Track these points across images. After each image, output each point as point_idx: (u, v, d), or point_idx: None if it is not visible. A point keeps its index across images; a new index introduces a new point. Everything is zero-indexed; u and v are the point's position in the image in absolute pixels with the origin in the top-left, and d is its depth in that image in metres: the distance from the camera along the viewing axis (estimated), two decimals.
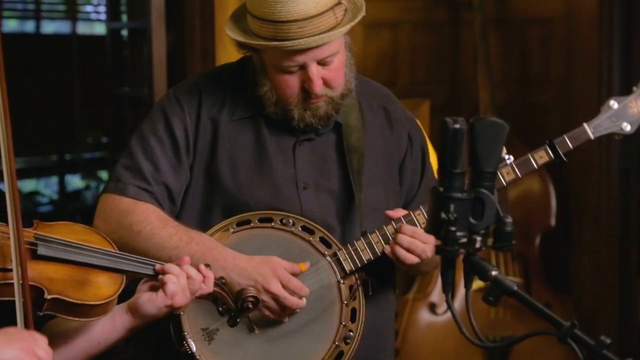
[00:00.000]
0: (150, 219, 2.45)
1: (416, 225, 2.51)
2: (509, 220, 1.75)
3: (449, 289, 1.79)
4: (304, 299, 2.43)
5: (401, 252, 2.45)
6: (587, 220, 5.17)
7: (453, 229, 1.71)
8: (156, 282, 2.18)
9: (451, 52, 5.57)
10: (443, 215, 1.72)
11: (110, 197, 2.51)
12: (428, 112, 5.28)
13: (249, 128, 2.57)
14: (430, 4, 5.43)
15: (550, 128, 5.20)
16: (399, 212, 2.53)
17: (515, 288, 1.77)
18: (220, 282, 2.26)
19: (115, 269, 2.14)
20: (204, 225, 2.53)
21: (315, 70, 2.43)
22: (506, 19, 5.41)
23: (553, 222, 5.02)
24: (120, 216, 2.47)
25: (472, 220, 1.74)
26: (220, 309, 2.26)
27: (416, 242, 2.45)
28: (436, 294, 4.86)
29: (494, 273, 1.76)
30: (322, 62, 2.44)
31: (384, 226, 2.52)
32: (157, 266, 2.17)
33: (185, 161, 2.53)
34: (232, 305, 2.26)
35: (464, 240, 1.73)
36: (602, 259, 5.15)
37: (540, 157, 2.57)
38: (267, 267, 2.41)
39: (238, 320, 2.28)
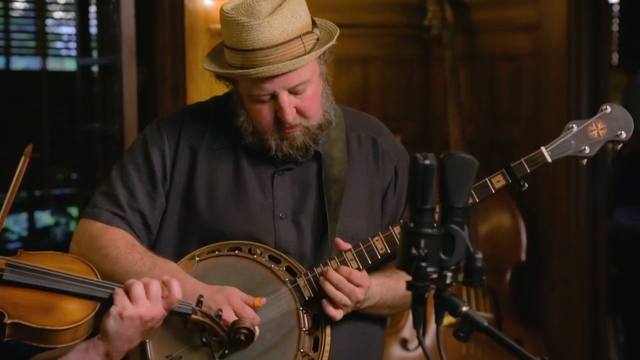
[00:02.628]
0: (118, 244, 2.47)
1: (376, 255, 2.49)
2: (479, 255, 1.75)
3: (419, 325, 1.79)
4: (257, 328, 2.41)
5: (329, 288, 2.43)
6: (557, 256, 5.20)
7: (424, 264, 1.71)
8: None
9: (421, 88, 5.61)
10: (414, 250, 1.72)
11: (86, 221, 2.55)
12: None
13: (228, 157, 2.58)
14: (401, 40, 5.47)
15: None
16: (348, 245, 2.51)
17: (486, 324, 1.77)
18: (216, 316, 2.28)
19: (88, 295, 2.14)
20: (180, 252, 2.53)
21: (285, 99, 2.43)
22: (475, 56, 5.46)
23: (523, 257, 5.03)
24: (90, 240, 2.51)
25: (442, 255, 1.74)
26: (204, 339, 2.27)
27: (344, 281, 2.42)
28: (407, 329, 4.85)
29: (464, 309, 1.77)
30: (293, 91, 2.44)
31: (343, 253, 2.50)
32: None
33: (161, 189, 2.55)
34: (223, 336, 2.28)
35: (435, 275, 1.74)
36: (572, 294, 5.17)
37: (497, 181, 2.53)
38: (222, 294, 2.41)
39: (227, 351, 2.29)
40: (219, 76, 2.53)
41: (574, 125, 2.54)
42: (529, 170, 2.53)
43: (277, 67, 2.37)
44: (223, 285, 2.45)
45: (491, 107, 5.43)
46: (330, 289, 2.43)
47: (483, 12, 5.43)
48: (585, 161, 2.56)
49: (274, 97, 2.44)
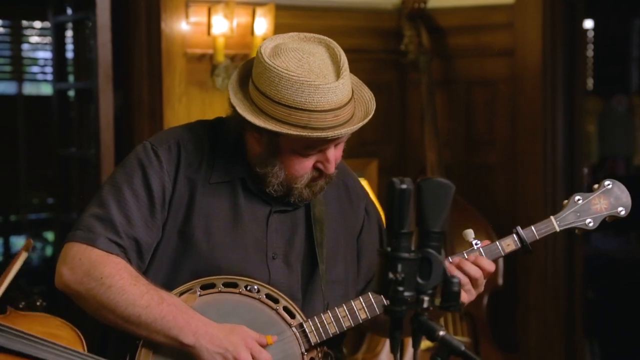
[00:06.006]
0: (122, 274, 2.39)
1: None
2: (456, 280, 1.76)
3: (397, 349, 1.79)
4: None
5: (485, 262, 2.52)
6: (534, 280, 5.21)
7: (401, 288, 1.72)
8: None
9: (398, 113, 5.62)
10: (391, 275, 1.72)
11: (81, 246, 2.43)
12: (376, 172, 5.31)
13: (225, 192, 2.54)
14: (378, 65, 5.48)
15: (496, 188, 5.25)
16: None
17: (463, 348, 1.77)
18: None
19: None
20: (169, 284, 2.48)
21: (333, 152, 2.48)
22: (452, 81, 5.49)
23: (500, 281, 5.03)
24: (90, 267, 2.40)
25: (419, 280, 1.74)
26: None
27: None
28: (385, 354, 4.84)
29: (441, 333, 1.77)
30: (336, 143, 2.50)
31: (351, 301, 2.51)
32: None
33: (159, 218, 2.48)
34: None
35: (412, 300, 1.74)
36: (549, 318, 5.18)
37: (507, 245, 2.61)
38: (238, 336, 2.39)
39: None
40: (257, 127, 2.43)
41: (579, 198, 2.62)
42: (537, 238, 2.63)
43: (354, 127, 2.45)
44: (223, 323, 2.43)
45: (467, 132, 5.45)
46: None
47: (459, 37, 5.45)
48: (581, 232, 2.66)
49: (320, 150, 2.47)
